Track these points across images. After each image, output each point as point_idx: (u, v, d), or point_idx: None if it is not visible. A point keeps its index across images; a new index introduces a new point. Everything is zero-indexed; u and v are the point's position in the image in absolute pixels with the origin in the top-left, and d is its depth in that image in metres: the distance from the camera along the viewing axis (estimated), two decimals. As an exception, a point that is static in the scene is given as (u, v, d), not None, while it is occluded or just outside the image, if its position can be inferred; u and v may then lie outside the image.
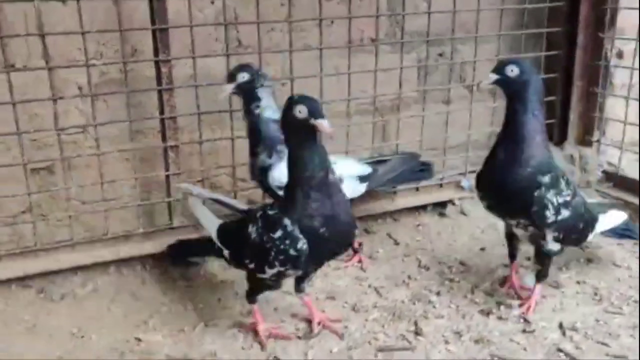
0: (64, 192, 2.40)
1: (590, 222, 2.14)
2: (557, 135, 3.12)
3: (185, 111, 2.47)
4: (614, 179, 2.90)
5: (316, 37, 2.60)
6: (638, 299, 2.13)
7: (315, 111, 1.70)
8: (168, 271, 2.42)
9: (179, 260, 2.40)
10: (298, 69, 2.58)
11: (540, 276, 2.12)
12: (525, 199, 1.94)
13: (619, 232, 2.28)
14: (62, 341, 2.00)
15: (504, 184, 1.98)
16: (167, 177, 2.47)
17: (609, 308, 2.12)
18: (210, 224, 2.09)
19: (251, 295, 2.01)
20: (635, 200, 2.72)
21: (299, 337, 1.98)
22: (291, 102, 1.74)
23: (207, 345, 1.96)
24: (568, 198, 1.98)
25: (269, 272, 1.83)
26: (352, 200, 2.21)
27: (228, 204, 2.21)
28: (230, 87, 2.19)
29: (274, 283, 1.94)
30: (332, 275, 2.37)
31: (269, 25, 2.63)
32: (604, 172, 2.97)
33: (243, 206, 2.20)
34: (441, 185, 2.96)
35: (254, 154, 2.23)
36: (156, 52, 2.33)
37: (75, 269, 2.37)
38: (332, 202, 1.76)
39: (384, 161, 2.53)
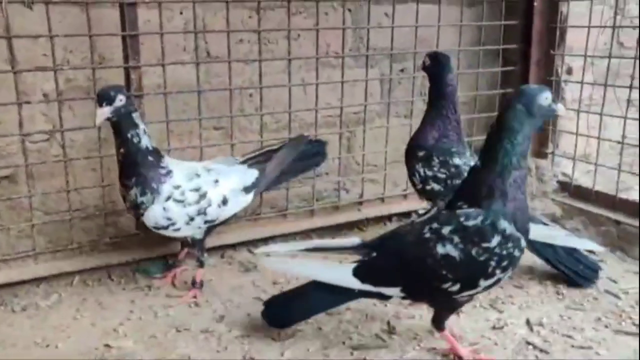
0: (27, 201, 2.34)
1: None
2: (514, 148, 3.24)
3: (154, 121, 2.47)
4: (568, 188, 3.03)
5: (283, 50, 2.67)
6: (638, 298, 2.22)
7: (555, 98, 1.73)
8: (136, 280, 2.37)
9: (285, 326, 1.99)
10: (266, 82, 2.63)
11: None
12: (408, 164, 2.42)
13: None
14: (26, 351, 1.93)
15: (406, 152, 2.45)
16: (135, 185, 2.44)
17: (571, 305, 2.20)
18: (333, 274, 1.83)
19: (442, 321, 1.82)
20: (588, 208, 2.84)
21: (273, 339, 1.97)
22: (536, 91, 1.70)
23: (180, 349, 1.92)
24: (440, 174, 2.31)
25: (485, 284, 1.70)
26: (233, 216, 2.27)
27: (330, 247, 1.97)
28: (107, 112, 1.94)
29: (469, 299, 1.81)
30: (303, 282, 2.37)
31: (237, 37, 2.67)
32: (559, 182, 3.10)
33: (350, 242, 1.94)
34: (405, 196, 3.03)
35: (123, 185, 2.08)
36: (126, 59, 2.33)
37: (37, 280, 2.30)
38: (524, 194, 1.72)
39: (270, 155, 2.36)
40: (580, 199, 2.93)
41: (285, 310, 1.97)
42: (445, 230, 1.70)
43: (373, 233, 2.85)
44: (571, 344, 1.96)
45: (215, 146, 2.62)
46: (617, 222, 2.66)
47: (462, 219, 1.69)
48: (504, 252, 1.67)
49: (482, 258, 1.66)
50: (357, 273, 1.80)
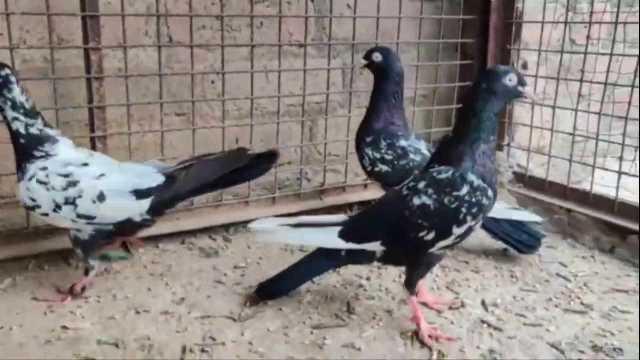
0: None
1: None
2: (471, 140, 3.32)
3: (114, 104, 2.44)
4: (523, 179, 3.12)
5: (246, 37, 2.67)
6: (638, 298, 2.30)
7: (523, 80, 1.85)
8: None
9: (274, 296, 2.12)
10: (229, 69, 2.62)
11: None
12: (358, 151, 2.52)
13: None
14: (-21, 333, 1.88)
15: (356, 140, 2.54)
16: (94, 169, 2.40)
17: (524, 287, 2.28)
18: (319, 237, 1.99)
19: (414, 284, 1.94)
20: (542, 198, 2.94)
21: (234, 319, 1.98)
22: (500, 72, 1.83)
23: (140, 330, 1.91)
24: (387, 157, 2.44)
25: (457, 232, 1.85)
26: (125, 223, 2.05)
27: (318, 222, 2.05)
28: None
29: (442, 255, 1.97)
30: (264, 266, 2.39)
31: (200, 23, 2.67)
32: (514, 173, 3.19)
33: (336, 218, 2.09)
34: (366, 186, 3.07)
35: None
36: (86, 40, 2.30)
37: (-10, 265, 2.25)
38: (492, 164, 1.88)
39: (199, 165, 2.13)
40: (534, 189, 3.03)
41: (277, 282, 2.10)
42: (421, 184, 1.88)
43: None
44: (523, 322, 2.02)
45: (176, 131, 2.61)
46: (568, 210, 2.77)
47: (434, 174, 1.87)
48: (473, 200, 1.82)
49: (453, 206, 1.82)
50: (342, 234, 1.95)
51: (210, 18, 2.69)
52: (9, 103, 1.94)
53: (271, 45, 2.78)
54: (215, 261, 2.42)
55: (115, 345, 1.82)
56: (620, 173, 2.64)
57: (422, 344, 1.88)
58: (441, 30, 3.11)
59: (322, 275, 2.18)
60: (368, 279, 2.30)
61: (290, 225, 2.04)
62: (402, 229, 1.88)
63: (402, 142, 2.46)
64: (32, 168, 1.99)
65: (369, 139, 2.49)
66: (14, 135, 1.98)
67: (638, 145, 2.60)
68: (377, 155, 2.48)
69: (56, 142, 2.03)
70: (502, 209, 2.47)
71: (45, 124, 2.01)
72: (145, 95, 2.57)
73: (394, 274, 2.33)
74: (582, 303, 2.15)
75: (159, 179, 2.06)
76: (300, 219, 2.08)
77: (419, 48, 3.09)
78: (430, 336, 1.89)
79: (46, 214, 2.02)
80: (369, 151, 2.49)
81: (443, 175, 1.85)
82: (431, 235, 1.85)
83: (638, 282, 2.30)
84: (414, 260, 1.94)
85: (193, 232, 2.63)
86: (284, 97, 2.79)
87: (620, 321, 2.03)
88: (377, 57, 2.46)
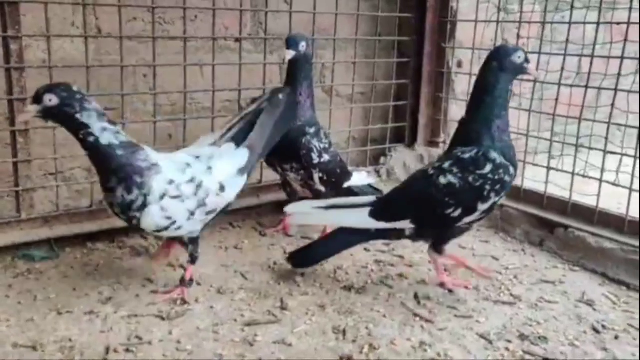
0: None
1: (346, 173, 2.63)
2: (408, 137, 3.37)
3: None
4: (458, 176, 3.17)
5: (180, 30, 2.60)
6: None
7: (528, 58, 2.02)
8: (15, 265, 2.23)
9: (307, 265, 2.27)
10: (161, 63, 2.55)
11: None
12: (296, 145, 2.39)
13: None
14: None
15: None
16: (15, 164, 2.29)
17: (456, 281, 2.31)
18: (352, 217, 2.10)
19: (441, 247, 2.11)
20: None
21: (162, 318, 1.92)
22: (510, 49, 2.01)
23: (61, 332, 1.82)
24: (327, 146, 2.47)
25: (482, 208, 1.98)
26: (233, 202, 2.14)
27: (351, 203, 2.18)
28: (33, 110, 1.77)
29: (469, 228, 2.11)
30: (197, 263, 2.33)
31: (131, 14, 2.59)
32: (450, 170, 3.24)
33: (368, 198, 2.21)
34: (304, 183, 3.05)
35: (105, 190, 1.88)
36: (4, 29, 2.18)
37: None
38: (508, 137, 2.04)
39: (249, 124, 2.15)
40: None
41: (309, 252, 2.22)
42: (446, 165, 2.01)
43: (271, 219, 2.86)
44: (455, 314, 2.05)
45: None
46: (501, 206, 2.82)
47: (459, 154, 2.01)
48: (496, 177, 1.96)
49: (478, 184, 1.96)
50: (372, 214, 2.07)
51: (142, 10, 2.61)
52: (95, 114, 1.79)
53: (204, 39, 2.72)
54: (145, 260, 2.35)
55: (32, 348, 1.73)
56: (549, 169, 2.72)
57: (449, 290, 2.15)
58: (378, 28, 3.13)
59: (352, 248, 2.27)
60: (302, 275, 2.27)
61: (322, 207, 2.16)
62: (429, 207, 2.02)
63: (326, 131, 2.59)
64: (158, 185, 1.84)
65: (311, 130, 2.44)
66: (107, 148, 1.80)
67: (637, 149, 2.41)
68: (322, 146, 2.47)
69: (141, 149, 1.89)
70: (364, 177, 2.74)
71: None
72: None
73: (329, 270, 2.33)
74: (511, 294, 2.20)
75: (245, 153, 2.10)
76: (331, 201, 2.21)
77: (356, 45, 3.09)
78: (454, 284, 2.16)
79: (179, 227, 1.93)
80: (315, 143, 2.44)
81: (467, 155, 1.98)
82: (458, 212, 1.99)
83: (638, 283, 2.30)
84: (442, 234, 2.09)
85: (125, 231, 2.54)
86: (219, 91, 2.73)
87: (547, 311, 2.09)
88: (303, 46, 2.38)
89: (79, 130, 1.81)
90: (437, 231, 2.10)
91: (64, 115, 1.79)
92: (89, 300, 2.02)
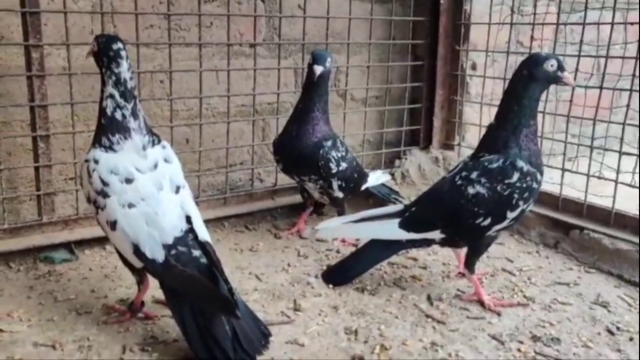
0: None
1: (362, 176, 2.73)
2: (423, 140, 3.37)
3: (58, 103, 2.40)
4: (473, 178, 3.17)
5: (195, 36, 2.65)
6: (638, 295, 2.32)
7: (563, 66, 1.98)
8: (37, 267, 2.29)
9: (344, 282, 2.24)
10: (177, 69, 2.60)
11: (341, 214, 2.62)
12: (314, 158, 2.49)
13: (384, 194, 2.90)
14: None
15: (298, 149, 2.51)
16: (37, 169, 2.35)
17: (469, 283, 2.30)
18: (383, 229, 2.13)
19: (473, 264, 2.11)
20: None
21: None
22: (541, 58, 1.97)
23: (79, 331, 1.87)
24: (344, 153, 2.56)
25: (511, 216, 2.00)
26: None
27: (379, 215, 2.20)
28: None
29: (497, 236, 2.11)
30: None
31: (148, 22, 2.64)
32: (465, 172, 3.23)
33: (395, 207, 2.24)
34: (319, 186, 3.07)
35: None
36: (26, 37, 2.25)
37: None
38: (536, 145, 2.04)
39: None
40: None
41: (342, 270, 2.23)
42: (473, 174, 2.02)
43: (286, 222, 2.89)
44: (467, 315, 2.05)
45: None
46: (516, 208, 2.82)
47: (486, 164, 2.01)
48: (524, 185, 1.97)
49: (506, 193, 1.97)
50: (402, 225, 2.10)
51: (159, 18, 2.66)
52: (114, 78, 1.85)
53: (220, 45, 2.77)
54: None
55: (52, 347, 1.78)
56: (564, 170, 2.71)
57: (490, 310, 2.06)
58: (392, 31, 3.15)
59: (385, 261, 2.29)
60: (316, 276, 2.30)
61: (352, 221, 2.20)
62: (459, 217, 2.03)
63: (342, 140, 2.67)
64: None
65: (328, 143, 2.52)
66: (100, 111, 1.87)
67: (638, 151, 2.47)
68: (340, 155, 2.55)
69: (129, 137, 1.88)
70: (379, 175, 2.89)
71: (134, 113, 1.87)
72: (91, 95, 2.53)
73: (343, 272, 2.34)
74: (524, 296, 2.19)
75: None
76: (361, 214, 2.23)
77: (370, 49, 3.11)
78: (495, 305, 2.07)
79: None
80: (334, 153, 2.52)
81: (494, 165, 1.99)
82: (487, 221, 2.00)
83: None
84: (472, 243, 2.11)
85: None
86: (234, 96, 2.78)
87: (560, 312, 2.08)
88: (329, 62, 2.45)
89: None
90: (467, 241, 2.13)
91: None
92: (108, 301, 2.07)
